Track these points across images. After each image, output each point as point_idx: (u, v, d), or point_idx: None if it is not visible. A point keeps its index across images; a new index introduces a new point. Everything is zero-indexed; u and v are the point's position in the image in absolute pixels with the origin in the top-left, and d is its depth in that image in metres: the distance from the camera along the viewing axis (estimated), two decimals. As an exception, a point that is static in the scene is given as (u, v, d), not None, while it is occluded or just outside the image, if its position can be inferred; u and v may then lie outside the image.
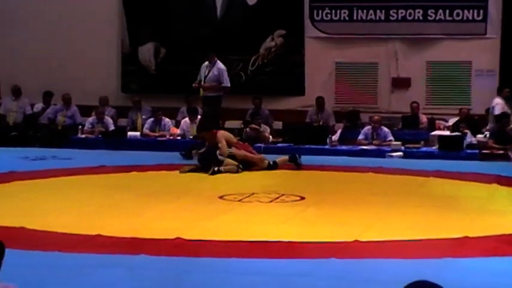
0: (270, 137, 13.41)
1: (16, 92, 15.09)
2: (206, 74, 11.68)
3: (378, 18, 14.76)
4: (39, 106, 15.14)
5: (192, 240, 6.43)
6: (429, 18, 14.59)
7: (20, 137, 14.44)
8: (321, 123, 14.19)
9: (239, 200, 8.38)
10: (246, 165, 10.41)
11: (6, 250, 3.86)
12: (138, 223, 7.15)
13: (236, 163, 10.39)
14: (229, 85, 11.79)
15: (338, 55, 15.04)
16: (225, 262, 5.83)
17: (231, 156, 10.38)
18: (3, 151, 12.62)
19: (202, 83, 11.69)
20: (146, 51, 15.66)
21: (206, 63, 11.85)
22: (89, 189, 9.10)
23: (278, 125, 14.43)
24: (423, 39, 14.70)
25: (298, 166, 10.60)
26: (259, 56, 15.25)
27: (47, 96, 15.06)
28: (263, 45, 15.24)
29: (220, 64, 11.81)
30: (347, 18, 14.87)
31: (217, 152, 10.33)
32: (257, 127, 13.47)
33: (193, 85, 11.85)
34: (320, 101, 14.48)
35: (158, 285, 5.09)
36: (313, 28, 15.06)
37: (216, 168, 10.11)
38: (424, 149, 12.53)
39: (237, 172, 10.23)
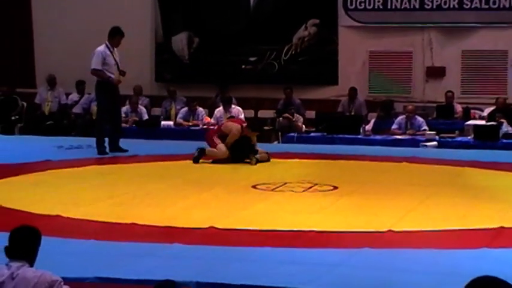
0: (303, 126, 13.38)
1: (51, 82, 15.26)
2: (118, 60, 10.78)
3: (412, 6, 14.62)
4: (74, 97, 15.28)
5: (225, 229, 6.45)
6: (465, 6, 14.42)
7: (55, 126, 14.62)
8: (352, 113, 14.14)
9: (272, 190, 8.37)
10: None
11: (42, 238, 3.91)
12: (171, 212, 7.19)
13: (267, 152, 10.36)
14: None
15: (372, 44, 14.94)
16: (258, 251, 5.83)
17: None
18: (39, 140, 12.78)
19: (119, 69, 10.77)
20: (179, 41, 15.71)
21: (103, 48, 10.75)
22: (123, 179, 9.17)
23: (311, 114, 14.40)
24: (459, 27, 14.54)
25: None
26: (292, 46, 15.21)
27: (80, 86, 15.20)
28: (296, 34, 15.20)
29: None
30: (381, 6, 14.76)
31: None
32: (290, 117, 13.44)
33: (119, 79, 10.72)
34: (352, 93, 14.41)
35: (192, 274, 5.11)
36: (347, 17, 14.97)
37: (258, 156, 10.11)
38: (459, 138, 12.40)
39: (268, 160, 10.21)
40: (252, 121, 13.63)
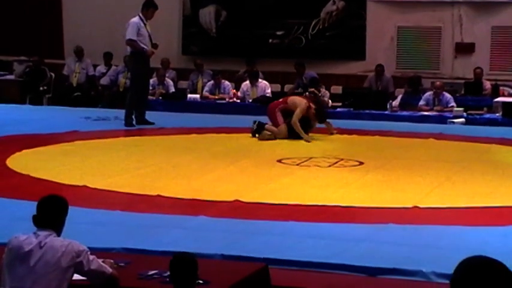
0: (330, 101, 13.31)
1: (79, 54, 15.32)
2: (150, 32, 10.84)
3: (442, -19, 14.43)
4: (101, 68, 15.34)
5: (250, 202, 6.47)
6: (496, -19, 14.20)
7: (83, 98, 14.71)
8: (379, 89, 14.04)
9: (297, 164, 8.37)
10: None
11: (69, 208, 3.95)
12: (197, 185, 7.22)
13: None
14: None
15: (400, 19, 14.78)
16: (283, 225, 5.85)
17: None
18: (67, 111, 12.87)
19: (152, 42, 10.86)
20: (207, 14, 15.66)
21: (137, 19, 10.79)
22: (149, 151, 9.22)
23: (338, 89, 14.32)
24: (489, 3, 14.32)
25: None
26: (320, 20, 15.10)
27: (107, 58, 15.25)
28: (324, 9, 15.07)
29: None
30: (411, -19, 14.58)
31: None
32: (316, 92, 13.36)
33: (154, 50, 10.88)
34: (379, 69, 14.27)
35: (217, 246, 5.14)
36: (376, -8, 14.82)
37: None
38: (487, 115, 12.28)
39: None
40: (278, 96, 13.60)
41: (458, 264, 2.16)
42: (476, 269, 2.12)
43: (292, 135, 10.04)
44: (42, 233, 3.77)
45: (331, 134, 10.37)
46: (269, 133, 10.05)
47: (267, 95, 13.34)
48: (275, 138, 9.99)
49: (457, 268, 2.15)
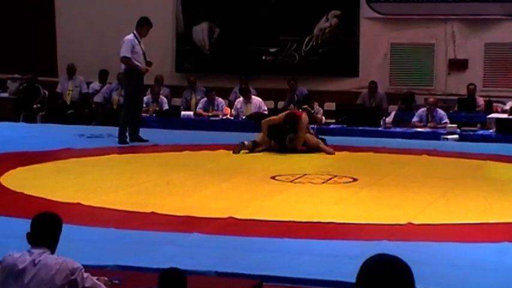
0: (323, 118, 13.33)
1: (70, 71, 15.34)
2: (144, 50, 10.89)
3: (435, -2, 14.52)
4: (95, 86, 15.34)
5: (244, 219, 6.46)
6: (488, -2, 14.29)
7: (77, 115, 14.71)
8: (373, 105, 14.07)
9: (291, 181, 8.37)
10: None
11: (63, 225, 3.94)
12: (191, 202, 7.21)
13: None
14: None
15: (394, 36, 14.86)
16: (277, 242, 5.84)
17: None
18: (60, 128, 12.86)
19: (146, 59, 10.91)
20: (200, 31, 15.71)
21: (132, 37, 10.85)
22: (143, 168, 9.21)
23: (331, 106, 14.35)
24: (482, 20, 14.41)
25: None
26: (313, 37, 15.16)
27: (102, 75, 15.26)
28: (317, 25, 15.14)
29: None
30: (403, -2, 14.67)
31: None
32: (309, 108, 13.38)
33: (148, 68, 10.99)
34: (372, 86, 14.33)
35: (211, 263, 5.12)
36: (369, 8, 14.89)
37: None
38: (481, 132, 12.32)
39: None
40: (271, 112, 13.64)
41: (362, 264, 2.20)
42: (379, 268, 2.15)
43: (285, 149, 10.26)
44: (36, 251, 3.75)
45: (331, 154, 10.37)
46: (246, 143, 10.23)
47: (263, 111, 13.36)
48: (250, 152, 10.15)
49: (360, 268, 2.18)
